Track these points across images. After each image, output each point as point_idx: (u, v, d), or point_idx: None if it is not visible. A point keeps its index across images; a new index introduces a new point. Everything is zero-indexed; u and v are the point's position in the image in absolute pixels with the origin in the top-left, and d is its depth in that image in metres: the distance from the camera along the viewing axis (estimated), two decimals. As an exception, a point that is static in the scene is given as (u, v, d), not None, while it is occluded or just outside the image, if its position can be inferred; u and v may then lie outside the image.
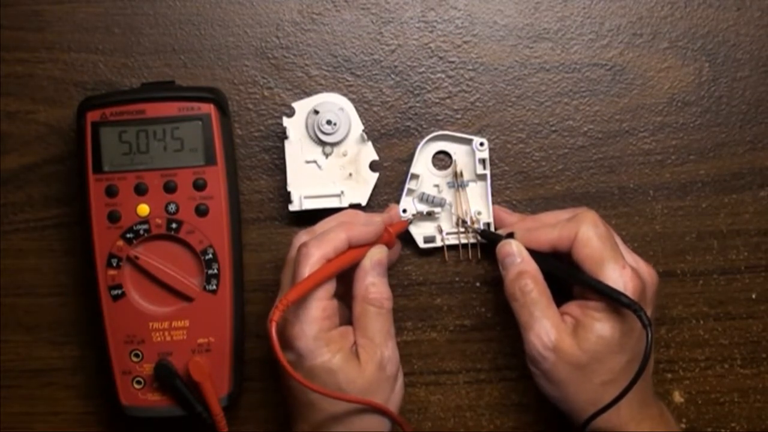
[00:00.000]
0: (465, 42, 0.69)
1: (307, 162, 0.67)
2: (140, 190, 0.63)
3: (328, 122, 0.66)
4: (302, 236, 0.62)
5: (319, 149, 0.67)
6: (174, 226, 0.63)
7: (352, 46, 0.69)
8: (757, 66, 0.69)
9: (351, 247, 0.60)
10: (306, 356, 0.58)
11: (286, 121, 0.67)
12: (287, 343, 0.58)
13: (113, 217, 0.63)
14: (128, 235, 0.63)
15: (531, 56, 0.69)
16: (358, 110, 0.68)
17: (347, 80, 0.69)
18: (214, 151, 0.63)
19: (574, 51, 0.69)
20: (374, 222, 0.62)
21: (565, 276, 0.61)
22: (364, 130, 0.67)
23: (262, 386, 0.69)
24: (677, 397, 0.69)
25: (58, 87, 0.68)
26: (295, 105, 0.67)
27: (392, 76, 0.69)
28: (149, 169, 0.63)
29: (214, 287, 0.64)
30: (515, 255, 0.62)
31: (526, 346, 0.60)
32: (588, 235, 0.60)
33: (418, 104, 0.69)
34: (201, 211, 0.63)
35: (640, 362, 0.56)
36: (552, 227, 0.62)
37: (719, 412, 0.69)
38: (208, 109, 0.63)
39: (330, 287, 0.59)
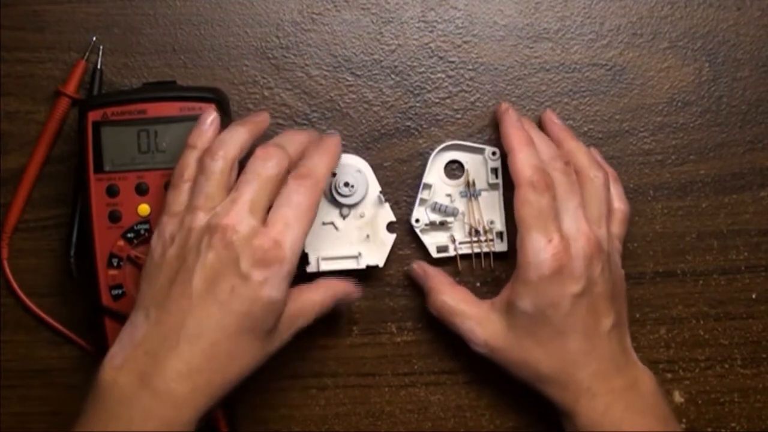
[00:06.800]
0: (465, 42, 0.69)
1: (324, 223, 0.67)
2: (141, 190, 0.63)
3: (346, 184, 0.66)
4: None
5: (336, 211, 0.67)
6: (174, 226, 0.63)
7: (352, 46, 0.69)
8: (757, 66, 0.69)
9: None
10: None
11: None
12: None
13: (114, 217, 0.63)
14: (129, 235, 0.63)
15: (531, 56, 0.69)
16: (358, 110, 0.68)
17: (347, 80, 0.69)
18: (215, 151, 0.63)
19: (574, 51, 0.69)
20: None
21: None
22: (381, 192, 0.67)
23: (262, 386, 0.69)
24: (677, 397, 0.69)
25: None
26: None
27: (392, 76, 0.69)
28: (150, 169, 0.63)
29: (215, 287, 0.64)
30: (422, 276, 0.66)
31: None
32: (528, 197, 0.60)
33: (418, 104, 0.69)
34: (202, 211, 0.63)
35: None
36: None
37: (719, 412, 0.69)
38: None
39: None
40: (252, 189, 0.56)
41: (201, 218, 0.56)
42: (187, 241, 0.56)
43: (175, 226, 0.57)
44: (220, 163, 0.57)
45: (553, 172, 0.60)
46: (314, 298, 0.60)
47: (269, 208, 0.57)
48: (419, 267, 0.67)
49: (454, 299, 0.63)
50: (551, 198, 0.59)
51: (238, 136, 0.59)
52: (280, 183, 0.58)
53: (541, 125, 0.67)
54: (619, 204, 0.65)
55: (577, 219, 0.60)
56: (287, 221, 0.56)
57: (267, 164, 0.57)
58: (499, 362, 0.62)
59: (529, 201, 0.59)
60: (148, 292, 0.56)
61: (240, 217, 0.55)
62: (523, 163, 0.60)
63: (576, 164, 0.63)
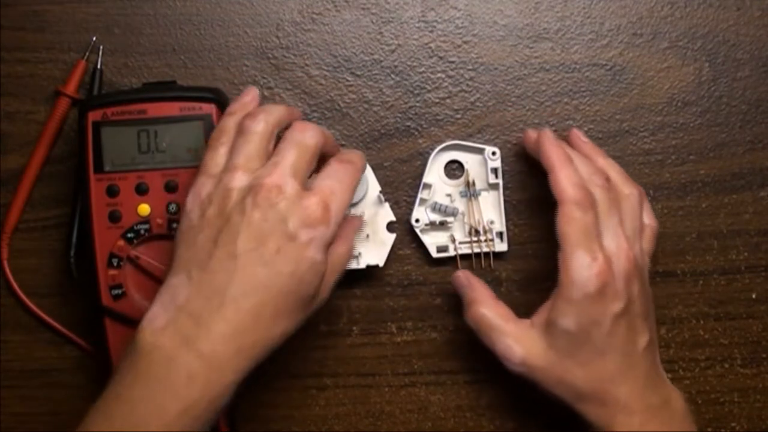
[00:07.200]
0: (465, 42, 0.69)
1: None
2: (141, 190, 0.63)
3: None
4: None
5: None
6: (175, 225, 0.63)
7: (352, 46, 0.69)
8: (757, 66, 0.69)
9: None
10: None
11: None
12: None
13: (114, 217, 0.63)
14: (129, 235, 0.63)
15: (531, 56, 0.69)
16: (358, 110, 0.68)
17: (347, 80, 0.69)
18: (216, 151, 0.63)
19: (574, 51, 0.69)
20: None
21: None
22: (381, 192, 0.67)
23: (262, 386, 0.69)
24: (677, 397, 0.69)
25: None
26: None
27: (392, 76, 0.69)
28: (150, 169, 0.63)
29: (215, 287, 0.64)
30: (465, 285, 0.64)
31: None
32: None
33: (418, 104, 0.69)
34: (202, 211, 0.63)
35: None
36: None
37: (719, 412, 0.69)
38: (210, 109, 0.63)
39: None
40: (293, 154, 0.56)
41: (241, 178, 0.56)
42: (228, 200, 0.55)
43: (212, 186, 0.56)
44: (262, 125, 0.57)
45: (594, 189, 0.60)
46: (340, 251, 0.60)
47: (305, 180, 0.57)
48: (464, 276, 0.65)
49: (494, 313, 0.62)
50: (595, 215, 0.59)
51: (278, 108, 0.59)
52: (317, 155, 0.58)
53: (568, 144, 0.66)
54: (649, 220, 0.64)
55: (617, 236, 0.59)
56: (333, 189, 0.56)
57: (306, 134, 0.57)
58: (534, 380, 0.60)
59: (575, 218, 0.58)
60: (188, 253, 0.55)
61: (284, 179, 0.55)
62: (566, 181, 0.59)
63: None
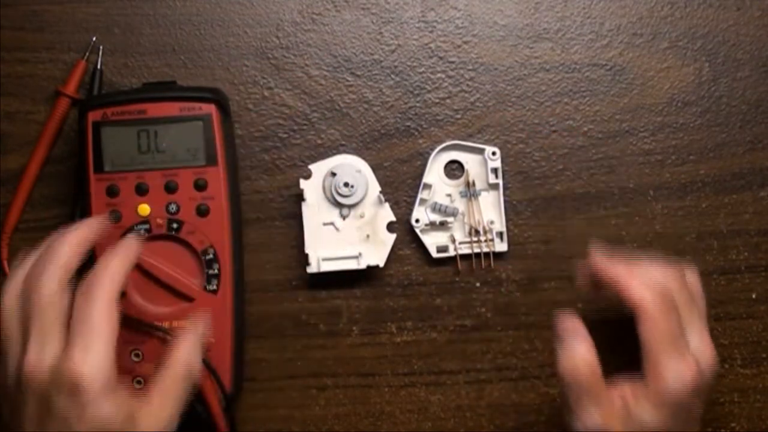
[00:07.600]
0: (465, 42, 0.69)
1: (325, 224, 0.67)
2: (141, 190, 0.63)
3: (346, 184, 0.66)
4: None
5: (336, 211, 0.67)
6: (175, 226, 0.63)
7: (352, 46, 0.69)
8: (757, 66, 0.69)
9: None
10: None
11: (303, 183, 0.67)
12: None
13: (114, 217, 0.63)
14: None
15: (531, 56, 0.69)
16: (358, 110, 0.68)
17: (347, 80, 0.69)
18: (215, 151, 0.63)
19: (574, 51, 0.69)
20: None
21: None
22: (381, 192, 0.67)
23: (262, 386, 0.69)
24: (677, 397, 0.69)
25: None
26: (312, 167, 0.67)
27: (392, 76, 0.69)
28: (150, 169, 0.63)
29: (215, 287, 0.64)
30: (570, 331, 0.58)
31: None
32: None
33: (418, 104, 0.69)
34: (202, 212, 0.63)
35: None
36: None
37: (719, 412, 0.69)
38: (210, 109, 0.63)
39: None
40: (37, 321, 0.53)
41: (7, 367, 0.54)
42: (7, 389, 0.54)
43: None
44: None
45: (672, 287, 0.58)
46: (173, 382, 0.56)
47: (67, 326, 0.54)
48: (572, 322, 0.58)
49: (592, 376, 0.57)
50: (677, 315, 0.57)
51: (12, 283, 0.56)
52: (65, 297, 0.54)
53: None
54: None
55: (701, 334, 0.58)
56: (79, 344, 0.52)
57: (39, 292, 0.53)
58: None
59: (659, 325, 0.56)
60: None
61: (38, 356, 0.52)
62: (641, 288, 0.57)
63: None
